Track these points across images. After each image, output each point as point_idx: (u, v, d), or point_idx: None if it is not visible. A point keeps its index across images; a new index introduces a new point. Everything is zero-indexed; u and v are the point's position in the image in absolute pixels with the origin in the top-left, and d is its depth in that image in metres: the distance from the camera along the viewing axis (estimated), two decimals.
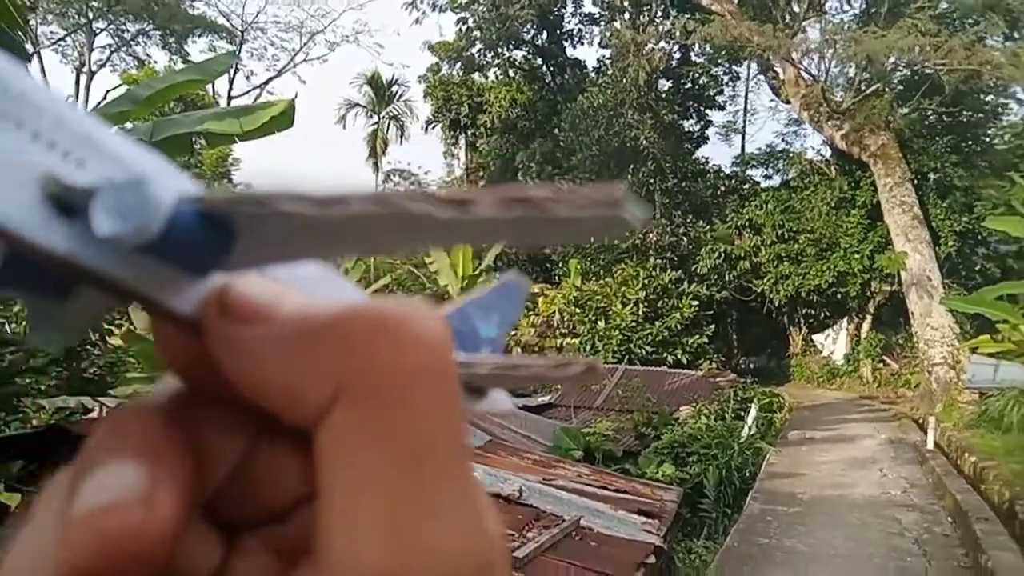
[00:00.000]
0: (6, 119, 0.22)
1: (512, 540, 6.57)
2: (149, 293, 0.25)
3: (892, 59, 22.48)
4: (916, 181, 23.94)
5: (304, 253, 0.27)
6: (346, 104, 42.80)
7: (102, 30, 36.79)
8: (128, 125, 7.97)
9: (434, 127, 39.01)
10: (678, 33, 25.42)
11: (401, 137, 43.10)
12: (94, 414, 7.00)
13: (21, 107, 0.22)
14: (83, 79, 36.14)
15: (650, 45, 27.54)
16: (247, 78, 41.44)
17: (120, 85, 34.35)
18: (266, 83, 41.13)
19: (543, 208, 0.23)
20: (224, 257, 0.25)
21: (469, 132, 37.20)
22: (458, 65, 36.68)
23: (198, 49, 37.99)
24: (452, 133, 38.09)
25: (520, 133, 33.95)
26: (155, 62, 37.94)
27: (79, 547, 0.22)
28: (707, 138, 33.74)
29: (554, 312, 24.17)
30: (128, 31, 37.69)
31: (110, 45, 37.56)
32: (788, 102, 28.71)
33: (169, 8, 36.41)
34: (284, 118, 8.76)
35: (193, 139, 8.16)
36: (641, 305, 24.64)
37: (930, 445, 13.43)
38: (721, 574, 7.37)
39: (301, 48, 40.96)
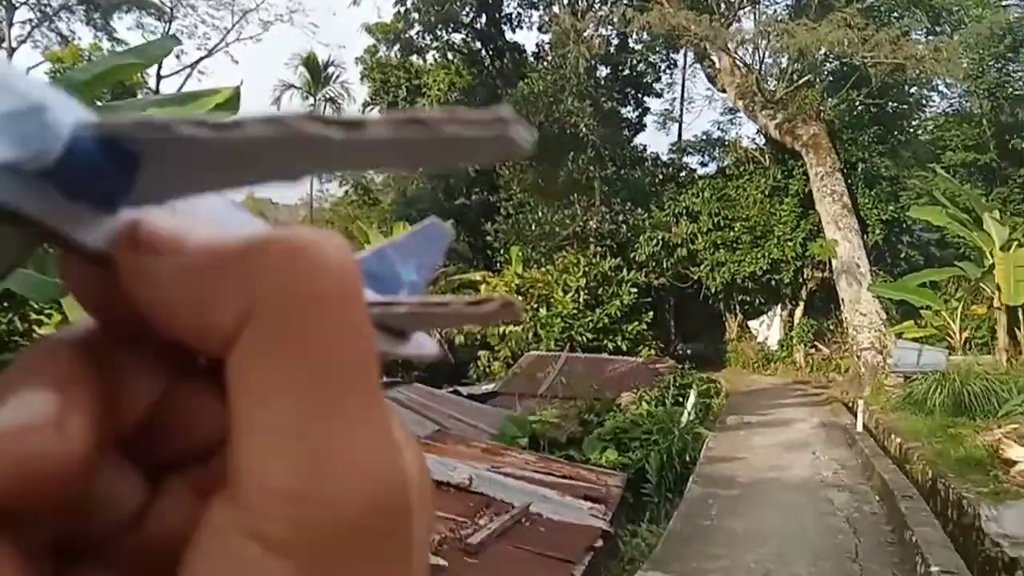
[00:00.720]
0: None
1: (465, 527, 6.72)
2: (55, 225, 0.25)
3: (822, 51, 23.13)
4: (845, 171, 24.69)
5: (206, 182, 0.27)
6: (281, 85, 42.05)
7: (22, 3, 35.29)
8: None
9: (371, 109, 38.59)
10: (616, 20, 25.68)
11: None
12: None
13: None
14: (2, 55, 34.68)
15: (589, 30, 27.73)
16: (177, 57, 40.07)
17: (43, 62, 33.13)
18: (197, 63, 39.96)
19: (434, 128, 0.23)
20: (129, 188, 0.26)
21: None
22: (396, 47, 36.33)
23: (124, 26, 36.74)
24: None
25: None
26: (79, 39, 36.60)
27: None
28: (645, 125, 34.14)
29: None
30: (50, 6, 36.21)
31: (31, 20, 35.96)
32: (724, 91, 29.30)
33: None
34: (228, 105, 8.64)
35: None
36: (582, 292, 24.91)
37: (859, 428, 13.95)
38: (666, 555, 7.65)
39: (233, 27, 39.95)
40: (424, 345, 0.46)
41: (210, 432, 0.28)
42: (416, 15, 33.54)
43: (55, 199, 0.25)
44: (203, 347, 0.24)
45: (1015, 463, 8.79)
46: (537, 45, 35.00)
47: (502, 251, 29.04)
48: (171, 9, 38.00)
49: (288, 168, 0.25)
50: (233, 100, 8.87)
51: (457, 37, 35.65)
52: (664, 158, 32.99)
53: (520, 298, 20.22)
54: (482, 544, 6.36)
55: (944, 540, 7.23)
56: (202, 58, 40.19)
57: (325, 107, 41.60)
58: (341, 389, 0.23)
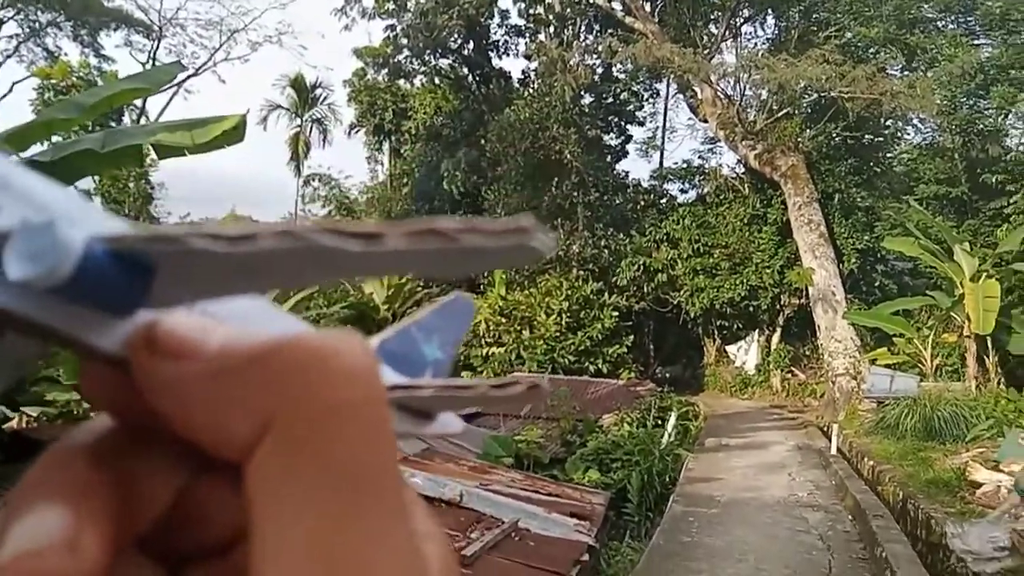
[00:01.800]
0: None
1: (458, 540, 7.01)
2: (70, 334, 0.25)
3: (802, 85, 23.81)
4: (822, 201, 25.35)
5: (224, 289, 0.27)
6: (268, 105, 42.28)
7: (9, 18, 35.31)
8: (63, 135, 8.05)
9: (357, 131, 38.95)
10: (603, 53, 26.29)
11: (324, 140, 42.77)
12: None
13: None
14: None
15: (575, 59, 28.32)
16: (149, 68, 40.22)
17: (28, 77, 33.13)
18: (183, 81, 40.07)
19: (454, 239, 0.23)
20: (143, 296, 0.25)
21: (393, 138, 37.25)
22: (384, 71, 36.76)
23: (112, 43, 36.79)
24: (376, 138, 38.05)
25: (445, 141, 34.15)
26: (66, 55, 36.60)
27: None
28: (627, 152, 34.72)
29: (480, 321, 24.54)
30: (38, 21, 36.22)
31: (17, 35, 35.93)
32: (705, 121, 29.96)
33: None
34: (235, 132, 8.97)
35: (144, 150, 8.29)
36: (564, 315, 25.25)
37: (833, 451, 14.36)
38: (650, 568, 7.98)
39: (221, 46, 40.16)
40: (450, 424, 0.47)
41: (230, 525, 0.28)
42: (405, 40, 34.01)
43: (68, 308, 0.24)
44: (220, 454, 0.24)
45: (980, 485, 9.21)
46: (523, 71, 35.58)
47: (485, 274, 29.31)
48: (160, 28, 38.15)
49: (302, 276, 0.26)
50: (239, 127, 9.18)
51: (445, 62, 36.15)
52: (645, 184, 33.54)
53: (504, 320, 20.61)
54: (475, 556, 6.66)
55: (912, 556, 7.62)
56: (189, 76, 40.33)
57: (311, 128, 41.93)
58: (362, 500, 0.23)
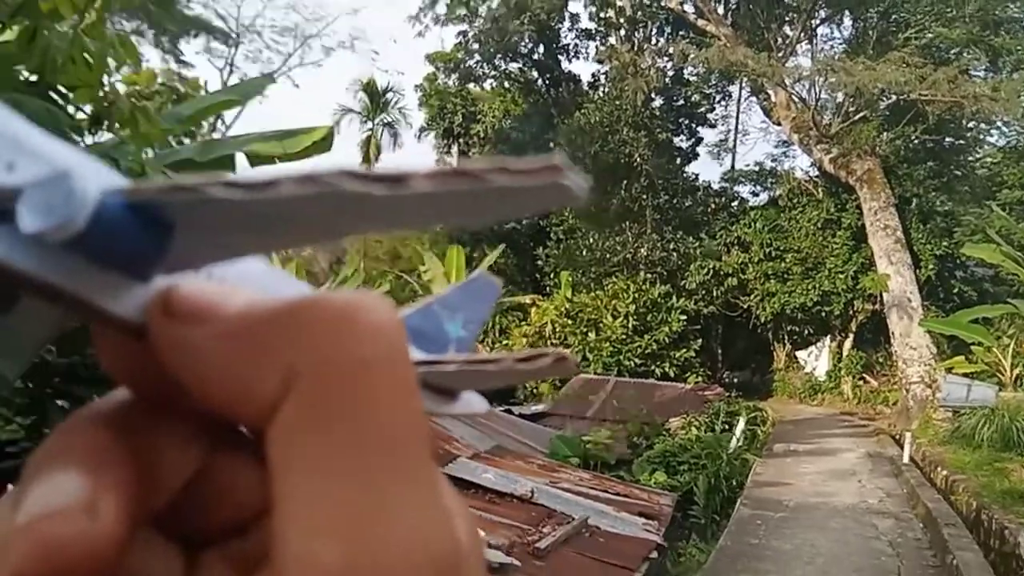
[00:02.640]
0: None
1: (531, 534, 7.29)
2: (87, 297, 0.24)
3: (880, 88, 23.40)
4: (899, 206, 24.79)
5: (243, 246, 0.27)
6: (341, 109, 43.35)
7: None
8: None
9: (427, 135, 39.61)
10: (676, 58, 26.28)
11: (394, 144, 43.63)
12: None
13: None
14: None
15: (647, 63, 28.35)
16: (241, 81, 41.58)
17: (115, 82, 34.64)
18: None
19: (483, 180, 0.22)
20: (162, 255, 0.25)
21: (462, 141, 37.78)
22: (455, 75, 37.40)
23: (192, 50, 38.15)
24: (445, 141, 38.62)
25: (513, 144, 34.54)
26: (148, 60, 38.09)
27: (22, 556, 0.22)
28: (697, 155, 34.49)
29: (546, 323, 24.81)
30: (124, 29, 37.82)
31: None
32: (779, 124, 29.62)
33: (165, 8, 36.58)
34: (324, 143, 9.42)
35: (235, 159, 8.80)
36: (631, 318, 25.33)
37: (906, 459, 14.17)
38: (718, 568, 8.13)
39: (295, 51, 41.35)
40: (473, 404, 0.46)
41: (249, 504, 0.28)
42: (476, 45, 34.54)
43: (84, 269, 0.24)
44: (242, 418, 0.24)
45: None
46: (593, 75, 35.76)
47: (552, 275, 29.58)
48: (237, 35, 39.48)
49: (327, 228, 0.24)
50: (328, 138, 9.70)
51: (515, 66, 36.59)
52: (716, 187, 33.32)
53: (569, 321, 20.89)
54: (548, 549, 6.93)
55: (984, 564, 7.60)
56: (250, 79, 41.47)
57: (382, 132, 42.86)
58: (390, 459, 0.22)
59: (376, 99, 42.93)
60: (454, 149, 38.83)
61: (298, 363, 0.22)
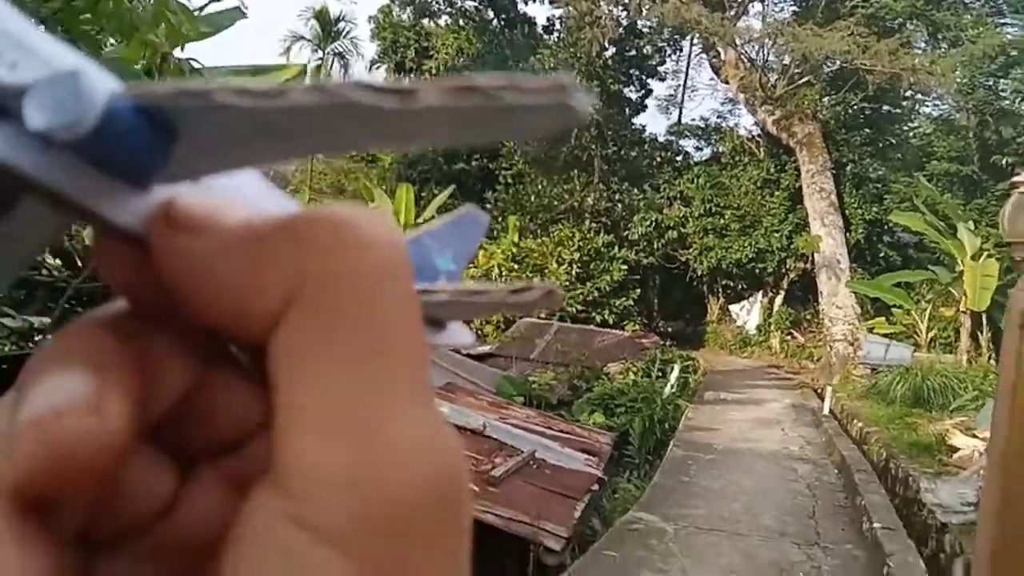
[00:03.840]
0: None
1: (484, 464, 7.86)
2: (88, 202, 0.24)
3: (824, 55, 24.07)
4: (835, 170, 25.78)
5: (247, 154, 0.26)
6: (291, 36, 42.35)
7: None
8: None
9: (378, 68, 39.04)
10: (632, 10, 26.47)
11: (345, 74, 42.88)
12: None
13: None
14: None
15: (603, 11, 28.41)
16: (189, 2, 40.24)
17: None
18: (203, 8, 40.04)
19: (492, 95, 0.22)
20: (164, 162, 0.24)
21: (414, 76, 37.37)
22: (409, 8, 36.86)
23: None
24: (397, 76, 38.12)
25: None
26: None
27: (26, 454, 0.21)
28: (646, 107, 34.83)
29: (493, 266, 25.18)
30: None
31: None
32: (727, 82, 30.20)
33: None
34: (295, 81, 9.60)
35: None
36: (575, 266, 25.92)
37: (826, 411, 15.13)
38: (652, 501, 8.87)
39: None
40: (459, 334, 0.46)
41: (242, 421, 0.27)
42: None
43: (87, 173, 0.23)
44: (244, 329, 0.24)
45: (957, 449, 10.02)
46: (548, 19, 35.61)
47: (499, 219, 29.89)
48: None
49: (333, 139, 0.24)
50: (299, 78, 9.87)
51: (470, 3, 36.21)
52: (662, 140, 33.83)
53: (515, 266, 21.32)
54: (501, 478, 7.51)
55: (888, 506, 8.49)
56: (209, 2, 40.22)
57: (333, 61, 42.11)
58: (393, 365, 0.22)
59: (328, 28, 42.01)
60: (406, 83, 38.38)
61: (301, 274, 0.22)
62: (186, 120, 0.23)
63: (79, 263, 3.44)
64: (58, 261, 3.60)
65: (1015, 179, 5.03)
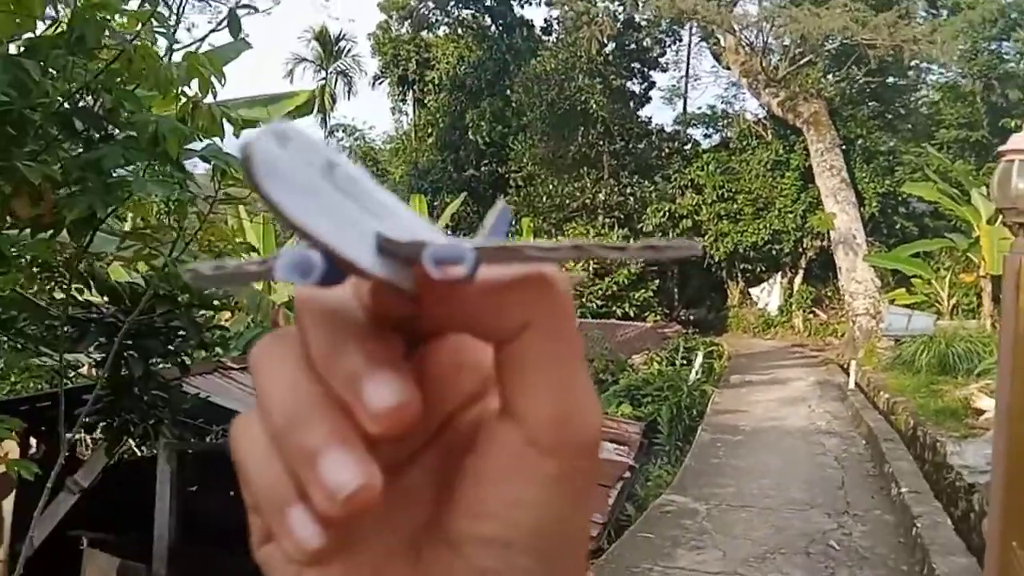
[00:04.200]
0: (356, 200, 0.30)
1: None
2: (402, 285, 0.30)
3: (824, 33, 24.11)
4: (844, 146, 25.81)
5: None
6: (294, 59, 42.89)
7: None
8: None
9: (381, 83, 39.42)
10: (627, 5, 26.65)
11: (349, 92, 43.38)
12: None
13: (363, 194, 0.30)
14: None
15: (599, 9, 28.59)
16: (188, 31, 40.73)
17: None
18: (205, 36, 40.56)
19: (630, 252, 0.30)
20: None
21: (417, 88, 37.64)
22: (407, 22, 37.17)
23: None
24: (400, 89, 38.41)
25: (469, 91, 34.52)
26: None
27: (383, 429, 0.30)
28: (650, 98, 34.91)
29: None
30: None
31: None
32: (729, 68, 30.30)
33: None
34: (307, 107, 9.94)
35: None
36: (591, 262, 26.05)
37: (851, 385, 15.25)
38: (684, 483, 9.06)
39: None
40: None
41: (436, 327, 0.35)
42: None
43: (403, 267, 0.30)
44: (490, 340, 0.33)
45: (983, 412, 10.11)
46: (545, 20, 35.79)
47: (514, 222, 30.09)
48: None
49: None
50: (311, 102, 10.12)
51: (467, 12, 36.46)
52: (669, 130, 33.87)
53: None
54: None
55: (916, 471, 8.63)
56: (212, 31, 40.75)
57: (336, 80, 42.59)
58: (577, 360, 0.33)
59: (328, 47, 42.51)
60: (409, 96, 38.71)
61: (533, 310, 0.31)
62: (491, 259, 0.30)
63: (127, 302, 3.69)
64: (105, 298, 3.86)
65: (1001, 148, 5.16)
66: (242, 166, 0.28)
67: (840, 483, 9.16)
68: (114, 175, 2.77)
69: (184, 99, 3.15)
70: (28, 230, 2.75)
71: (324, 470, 0.30)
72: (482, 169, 33.85)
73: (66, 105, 2.56)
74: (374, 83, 40.27)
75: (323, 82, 42.08)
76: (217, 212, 3.60)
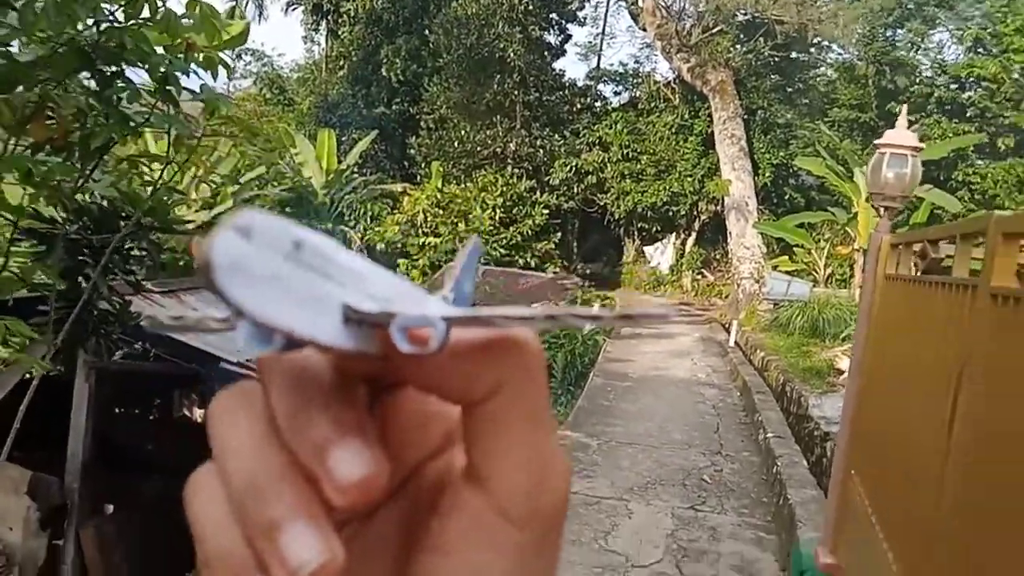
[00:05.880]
0: (323, 274, 0.30)
1: None
2: (368, 351, 0.31)
3: (736, 5, 24.97)
4: (746, 116, 26.94)
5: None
6: None
7: None
8: None
9: (295, 9, 38.22)
10: None
11: (260, 16, 41.83)
12: None
13: (330, 266, 0.30)
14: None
15: None
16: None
17: None
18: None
19: (639, 321, 0.32)
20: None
21: (331, 19, 36.69)
22: None
23: None
24: (314, 18, 37.31)
25: (385, 26, 33.79)
26: None
27: (349, 503, 0.29)
28: (565, 51, 35.14)
29: (418, 211, 25.49)
30: None
31: None
32: (644, 30, 30.93)
33: None
34: (240, 38, 9.92)
35: None
36: (498, 210, 26.47)
37: (731, 343, 16.38)
38: (577, 422, 9.82)
39: None
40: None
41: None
42: None
43: (367, 335, 0.31)
44: (459, 403, 0.33)
45: (843, 372, 11.23)
46: None
47: (423, 164, 30.06)
48: None
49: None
50: (244, 34, 10.24)
51: None
52: (580, 85, 34.37)
53: (440, 211, 21.76)
54: None
55: (781, 420, 9.65)
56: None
57: (247, 3, 40.91)
58: (545, 424, 0.33)
59: None
60: (323, 26, 37.65)
61: (504, 372, 0.32)
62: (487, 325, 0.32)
63: (89, 221, 3.94)
64: (64, 215, 4.08)
65: (876, 141, 5.91)
66: (199, 268, 0.28)
67: (716, 428, 10.15)
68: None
69: (180, 40, 3.43)
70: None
71: (286, 545, 0.29)
72: (393, 107, 33.38)
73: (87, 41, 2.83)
74: (287, 9, 38.90)
75: (233, 3, 40.39)
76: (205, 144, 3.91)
